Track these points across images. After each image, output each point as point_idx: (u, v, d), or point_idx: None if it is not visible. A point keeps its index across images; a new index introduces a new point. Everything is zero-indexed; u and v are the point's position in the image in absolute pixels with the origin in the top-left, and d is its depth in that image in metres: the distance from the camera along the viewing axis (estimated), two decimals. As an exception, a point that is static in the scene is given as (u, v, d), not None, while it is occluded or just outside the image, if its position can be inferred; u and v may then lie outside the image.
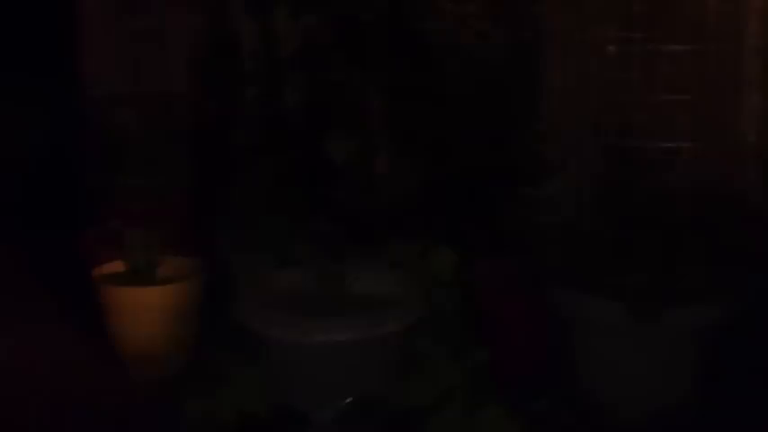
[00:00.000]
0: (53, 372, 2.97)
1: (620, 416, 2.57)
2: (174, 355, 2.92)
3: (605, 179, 2.70)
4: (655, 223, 2.59)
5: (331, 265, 2.70)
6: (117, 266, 3.03)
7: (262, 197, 2.99)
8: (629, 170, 2.66)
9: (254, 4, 3.12)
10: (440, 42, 2.96)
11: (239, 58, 3.28)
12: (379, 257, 2.77)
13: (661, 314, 2.45)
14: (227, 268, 2.96)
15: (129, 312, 2.93)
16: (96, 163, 3.62)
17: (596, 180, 2.71)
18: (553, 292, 2.63)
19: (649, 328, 2.46)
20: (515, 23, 2.91)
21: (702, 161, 2.63)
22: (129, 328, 2.95)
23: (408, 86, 2.97)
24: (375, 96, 2.97)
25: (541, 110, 2.80)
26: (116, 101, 3.60)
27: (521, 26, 2.90)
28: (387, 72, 2.90)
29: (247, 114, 3.15)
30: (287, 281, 2.78)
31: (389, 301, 2.61)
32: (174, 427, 2.56)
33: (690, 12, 2.60)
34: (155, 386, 2.83)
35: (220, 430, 2.50)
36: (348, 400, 2.55)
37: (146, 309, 2.92)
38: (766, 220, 2.62)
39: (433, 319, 2.59)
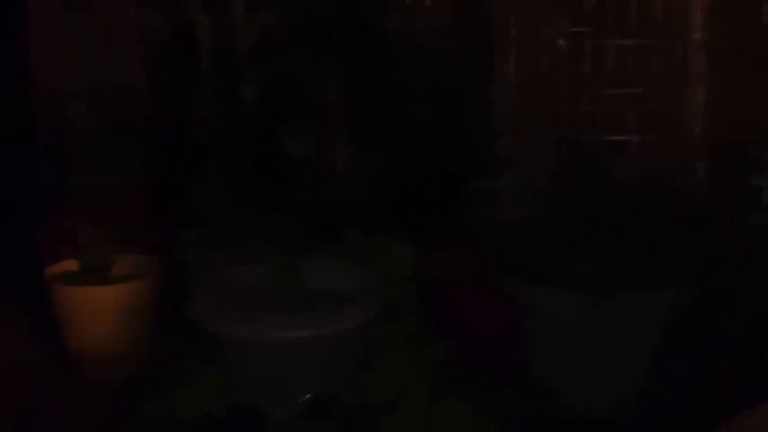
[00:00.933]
0: (3, 373, 2.93)
1: (578, 406, 2.60)
2: (129, 355, 2.89)
3: (559, 172, 2.73)
4: (607, 214, 2.63)
5: (288, 261, 2.70)
6: (70, 265, 2.99)
7: (219, 193, 2.97)
8: (581, 163, 2.69)
9: (211, -1, 3.10)
10: (397, 37, 2.97)
11: (195, 53, 3.25)
12: (338, 252, 2.77)
13: (614, 303, 2.49)
14: (185, 266, 2.94)
15: (81, 312, 2.90)
16: (49, 160, 3.56)
17: (550, 173, 2.73)
18: (510, 284, 2.66)
19: (603, 317, 2.50)
20: (471, 18, 2.93)
21: (651, 154, 2.67)
22: (83, 329, 2.91)
23: (366, 81, 2.97)
24: (333, 91, 2.97)
25: (496, 104, 2.82)
26: (69, 96, 3.55)
27: (476, 21, 2.91)
28: (344, 66, 2.89)
29: (204, 109, 3.13)
30: (244, 277, 2.76)
31: (348, 296, 2.61)
32: (129, 428, 2.53)
33: (637, 7, 2.63)
34: (109, 387, 2.80)
35: (177, 431, 2.48)
36: (306, 398, 2.55)
37: (99, 308, 2.89)
38: (711, 209, 2.67)
39: (391, 313, 2.60)
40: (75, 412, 2.70)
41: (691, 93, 2.65)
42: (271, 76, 3.01)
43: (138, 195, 3.39)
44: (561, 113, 2.73)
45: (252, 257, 2.77)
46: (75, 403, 2.76)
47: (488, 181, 2.77)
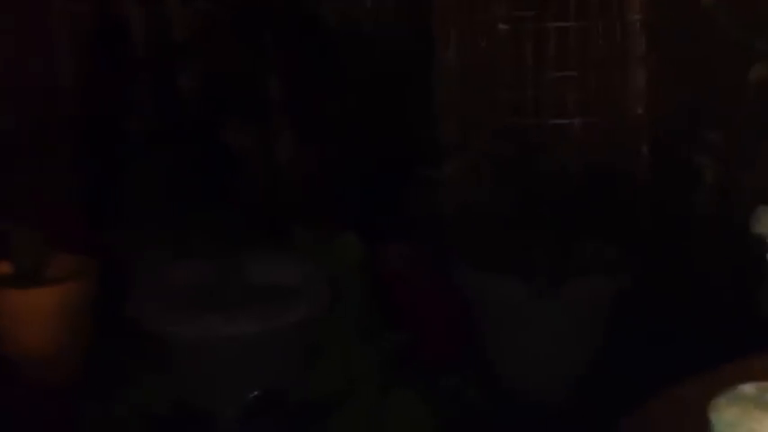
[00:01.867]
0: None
1: (528, 391, 2.62)
2: (67, 358, 2.81)
3: (502, 158, 2.74)
4: (550, 200, 2.64)
5: (231, 256, 2.65)
6: (3, 267, 2.90)
7: (157, 189, 2.91)
8: (523, 149, 2.71)
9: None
10: (337, 26, 2.94)
11: (129, 45, 3.17)
12: (283, 246, 2.73)
13: (559, 288, 2.51)
14: (124, 265, 2.87)
15: (16, 315, 2.82)
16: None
17: (493, 159, 2.74)
18: (457, 273, 2.66)
19: (549, 303, 2.52)
20: (411, 5, 2.92)
21: (593, 137, 2.69)
22: (18, 332, 2.83)
23: (307, 71, 2.94)
24: (273, 82, 2.93)
25: (438, 91, 2.82)
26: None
27: (416, 7, 2.91)
28: (284, 57, 2.86)
29: (140, 104, 3.05)
30: (185, 274, 2.71)
31: (294, 290, 2.58)
32: (71, 430, 2.47)
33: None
34: (47, 391, 2.72)
35: (120, 432, 2.42)
36: (254, 394, 2.51)
37: (34, 311, 2.81)
38: (654, 191, 2.71)
39: (339, 306, 2.57)
40: (13, 418, 2.61)
41: (631, 75, 2.69)
42: (209, 69, 2.95)
43: (74, 195, 3.30)
44: (503, 99, 2.74)
45: (193, 254, 2.72)
46: (12, 408, 2.67)
47: (432, 169, 2.76)
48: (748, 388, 0.90)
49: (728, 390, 0.90)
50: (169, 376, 2.56)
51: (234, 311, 2.53)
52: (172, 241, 2.81)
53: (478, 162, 2.75)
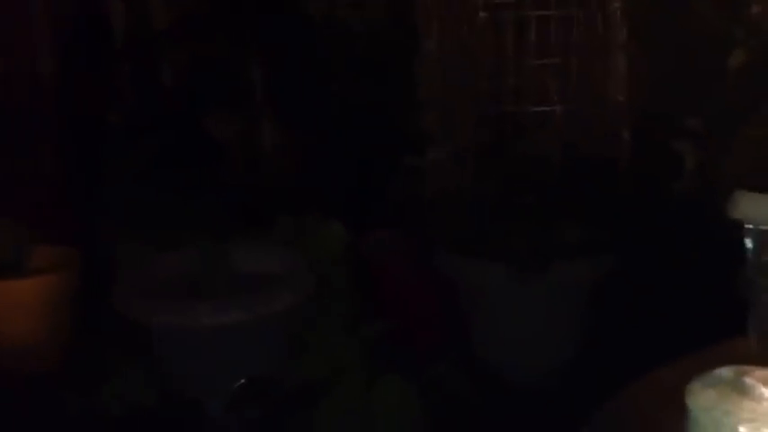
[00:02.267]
0: None
1: (512, 374, 2.64)
2: (51, 349, 2.81)
3: (484, 145, 2.74)
4: (533, 186, 2.66)
5: (216, 245, 2.65)
6: (-15, 260, 2.88)
7: (141, 179, 2.90)
8: (505, 136, 2.72)
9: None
10: (319, 14, 2.93)
11: (110, 36, 3.14)
12: (267, 235, 2.73)
13: (543, 273, 2.52)
14: (108, 255, 2.86)
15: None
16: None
17: (476, 146, 2.75)
18: (440, 259, 2.67)
19: (532, 287, 2.54)
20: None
21: (574, 124, 2.71)
22: (1, 324, 2.81)
23: (289, 60, 2.93)
24: (256, 72, 2.92)
25: (420, 79, 2.82)
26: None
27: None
28: (267, 46, 2.85)
29: (122, 94, 3.03)
30: (170, 264, 2.70)
31: (279, 279, 2.58)
32: (55, 423, 2.46)
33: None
34: (32, 382, 2.71)
35: (105, 424, 2.42)
36: (240, 383, 2.52)
37: (17, 303, 2.80)
38: (635, 177, 2.73)
39: (325, 294, 2.58)
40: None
41: (612, 62, 2.70)
42: (191, 58, 2.94)
43: (57, 185, 3.28)
44: (485, 86, 2.75)
45: (178, 244, 2.72)
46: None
47: (415, 157, 2.77)
48: (725, 371, 0.91)
49: (705, 374, 0.91)
50: (155, 366, 2.56)
51: (219, 301, 2.53)
52: (156, 231, 2.80)
53: (461, 149, 2.76)
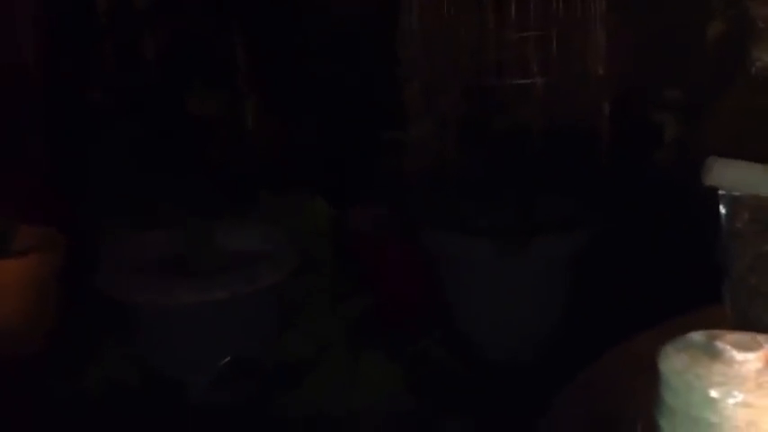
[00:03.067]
0: None
1: (496, 350, 2.65)
2: (35, 330, 2.79)
3: (466, 119, 2.74)
4: (514, 159, 2.66)
5: (200, 223, 2.64)
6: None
7: (124, 157, 2.88)
8: (487, 109, 2.71)
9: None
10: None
11: (92, 13, 3.11)
12: (251, 212, 2.73)
13: (526, 247, 2.53)
14: (92, 235, 2.85)
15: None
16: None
17: (458, 120, 2.75)
18: (423, 234, 2.67)
19: (514, 261, 2.54)
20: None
21: (555, 96, 2.71)
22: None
23: (272, 36, 2.91)
24: (238, 48, 2.90)
25: (401, 54, 2.81)
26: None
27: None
28: (249, 23, 2.82)
29: (104, 72, 3.01)
30: (155, 243, 2.70)
31: (263, 256, 2.58)
32: (39, 404, 2.46)
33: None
34: (15, 364, 2.70)
35: (89, 405, 2.42)
36: (225, 361, 2.52)
37: (1, 283, 2.77)
38: (615, 148, 2.73)
39: (309, 271, 2.58)
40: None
41: (592, 35, 2.70)
42: (174, 36, 2.91)
43: (40, 165, 3.26)
44: (466, 60, 2.74)
45: (162, 222, 2.71)
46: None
47: (397, 132, 2.76)
48: (697, 335, 0.92)
49: (678, 338, 0.92)
50: (139, 346, 2.56)
51: (203, 279, 2.53)
52: (140, 210, 2.79)
53: (443, 123, 2.76)
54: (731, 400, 0.85)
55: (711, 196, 1.18)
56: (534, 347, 2.61)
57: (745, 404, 0.85)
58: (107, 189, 2.89)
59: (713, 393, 0.86)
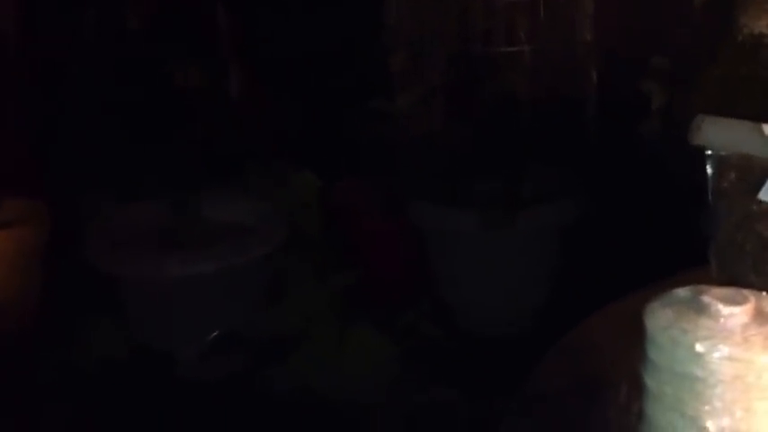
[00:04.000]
0: None
1: (483, 322, 2.65)
2: (20, 304, 2.78)
3: (453, 88, 2.73)
4: (503, 129, 2.65)
5: (187, 196, 2.62)
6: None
7: (109, 129, 2.86)
8: (475, 78, 2.70)
9: None
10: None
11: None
12: (238, 184, 2.71)
13: (512, 219, 2.52)
14: (77, 207, 2.83)
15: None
16: None
17: (445, 90, 2.73)
18: (410, 206, 2.66)
19: (501, 232, 2.54)
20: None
21: (543, 64, 2.69)
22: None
23: (257, 7, 2.88)
24: (224, 19, 2.87)
25: (388, 21, 2.78)
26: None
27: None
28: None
29: (88, 44, 2.97)
30: (140, 215, 2.68)
31: (250, 229, 2.57)
32: (26, 378, 2.45)
33: None
34: (2, 337, 2.69)
35: (77, 378, 2.41)
36: (213, 335, 2.51)
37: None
38: (603, 117, 2.72)
39: (296, 244, 2.57)
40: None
41: (580, 2, 2.68)
42: (157, 6, 2.88)
43: (22, 138, 3.22)
44: (453, 28, 2.72)
45: (148, 195, 2.69)
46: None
47: (384, 102, 2.75)
48: (683, 291, 0.91)
49: (663, 294, 0.91)
50: (127, 319, 2.55)
51: (190, 252, 2.52)
52: (126, 183, 2.77)
53: (430, 93, 2.74)
54: (717, 354, 0.84)
55: (698, 161, 1.17)
56: (522, 318, 2.61)
57: (730, 358, 0.84)
58: (92, 161, 2.86)
59: (699, 348, 0.85)
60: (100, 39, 2.96)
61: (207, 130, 2.81)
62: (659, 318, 0.88)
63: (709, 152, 1.12)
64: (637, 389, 0.92)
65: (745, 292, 0.89)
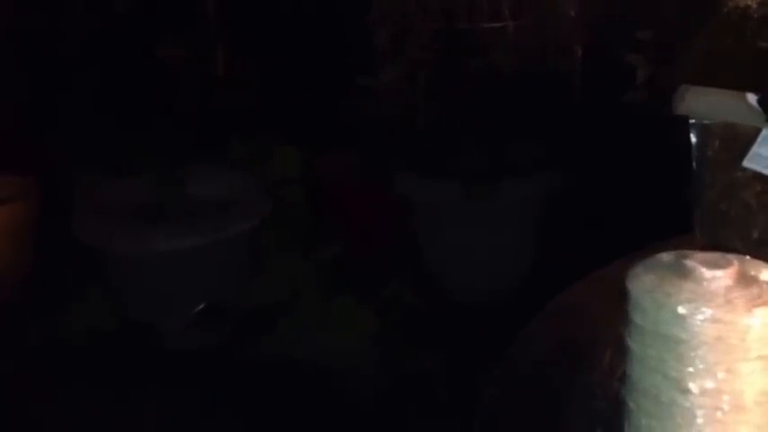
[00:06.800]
0: None
1: (466, 292, 2.67)
2: (11, 277, 2.78)
3: (437, 63, 2.73)
4: (485, 103, 2.65)
5: (172, 171, 2.62)
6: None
7: (95, 105, 2.84)
8: (458, 53, 2.70)
9: None
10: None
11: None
12: (222, 159, 2.71)
13: (496, 190, 2.54)
14: (65, 183, 2.82)
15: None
16: None
17: (429, 65, 2.73)
18: (395, 179, 2.67)
19: (484, 203, 2.55)
20: None
21: (527, 38, 2.69)
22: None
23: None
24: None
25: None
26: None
27: None
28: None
29: (75, 19, 2.94)
30: (126, 190, 2.68)
31: (235, 203, 2.57)
32: (15, 351, 2.45)
33: None
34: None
35: (66, 350, 2.41)
36: (200, 308, 2.52)
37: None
38: (588, 89, 2.73)
39: (280, 217, 2.58)
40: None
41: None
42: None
43: (10, 114, 3.20)
44: (437, 3, 2.71)
45: (134, 170, 2.68)
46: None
47: (368, 77, 2.74)
48: (666, 256, 0.92)
49: (647, 258, 0.92)
50: (114, 292, 2.55)
51: (176, 225, 2.52)
52: (112, 158, 2.76)
53: (413, 68, 2.74)
54: (700, 316, 0.85)
55: (681, 132, 1.18)
56: (506, 287, 2.63)
57: (713, 319, 0.85)
58: (80, 137, 2.85)
59: (681, 310, 0.86)
60: (87, 15, 2.94)
61: (191, 105, 2.81)
62: (643, 281, 0.89)
63: (693, 121, 1.14)
64: (621, 353, 0.93)
65: (729, 256, 0.90)
